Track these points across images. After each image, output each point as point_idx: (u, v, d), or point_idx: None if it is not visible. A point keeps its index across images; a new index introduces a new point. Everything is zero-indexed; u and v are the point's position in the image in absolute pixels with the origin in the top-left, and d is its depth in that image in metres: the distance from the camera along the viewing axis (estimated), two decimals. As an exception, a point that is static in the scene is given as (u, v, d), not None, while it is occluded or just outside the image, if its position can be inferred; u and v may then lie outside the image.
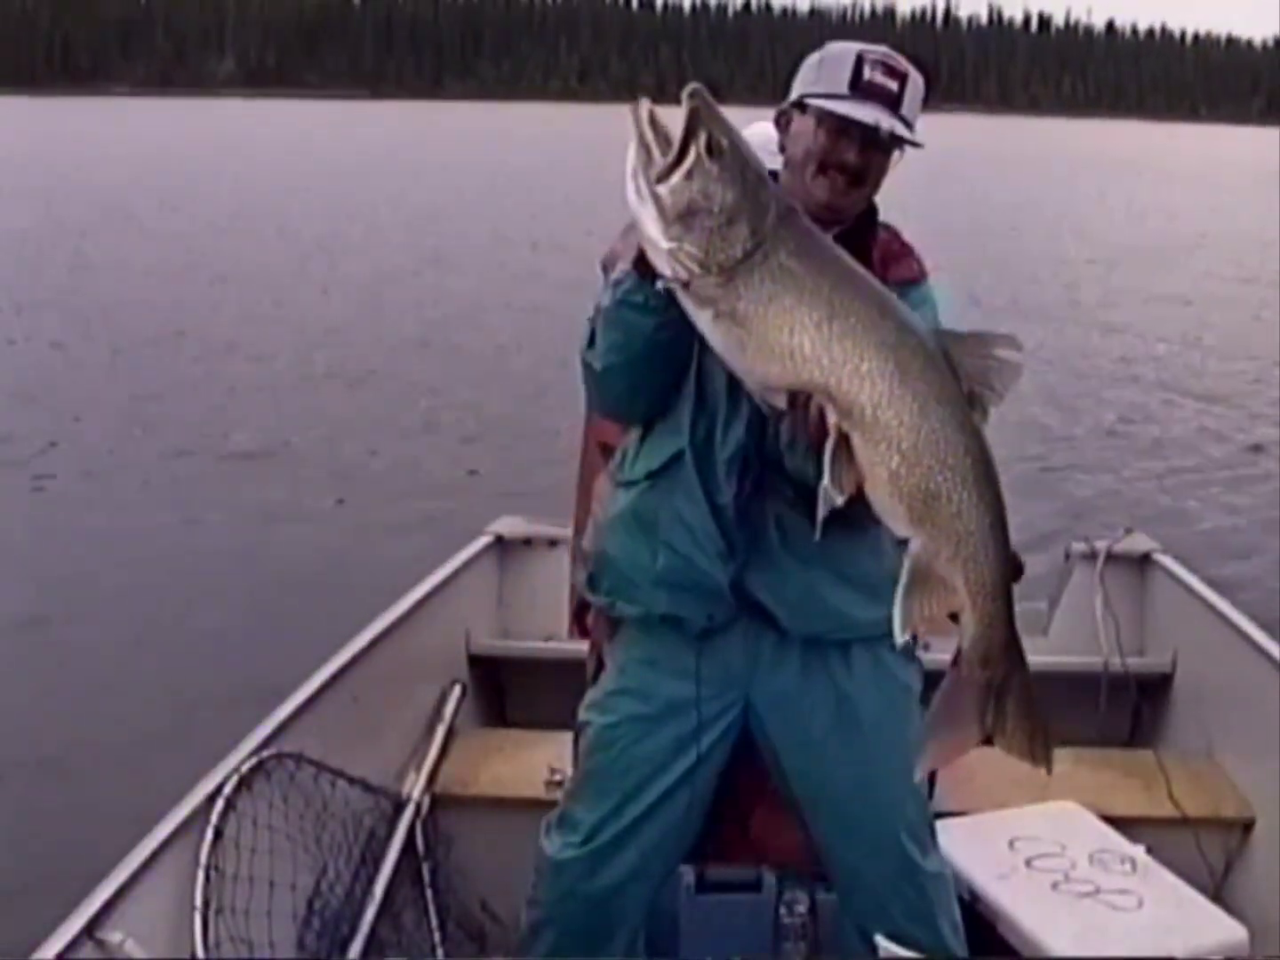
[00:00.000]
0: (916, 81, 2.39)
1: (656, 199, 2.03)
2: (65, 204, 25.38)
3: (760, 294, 2.04)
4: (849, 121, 2.33)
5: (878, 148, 2.36)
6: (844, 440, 2.05)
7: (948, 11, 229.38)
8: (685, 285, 2.06)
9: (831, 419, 2.05)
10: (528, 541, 4.59)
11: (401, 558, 6.54)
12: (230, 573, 7.27)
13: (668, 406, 2.49)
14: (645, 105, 2.05)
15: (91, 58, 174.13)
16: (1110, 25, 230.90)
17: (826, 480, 2.06)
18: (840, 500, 2.06)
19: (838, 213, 2.39)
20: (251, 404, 11.23)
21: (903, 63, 2.38)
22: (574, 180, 30.74)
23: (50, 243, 19.91)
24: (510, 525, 4.64)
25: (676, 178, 2.02)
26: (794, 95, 2.43)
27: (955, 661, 2.16)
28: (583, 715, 2.67)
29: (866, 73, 2.34)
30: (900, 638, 2.10)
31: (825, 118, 2.36)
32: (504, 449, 9.75)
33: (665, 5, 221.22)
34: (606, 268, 2.68)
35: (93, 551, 7.75)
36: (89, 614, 6.65)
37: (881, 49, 2.40)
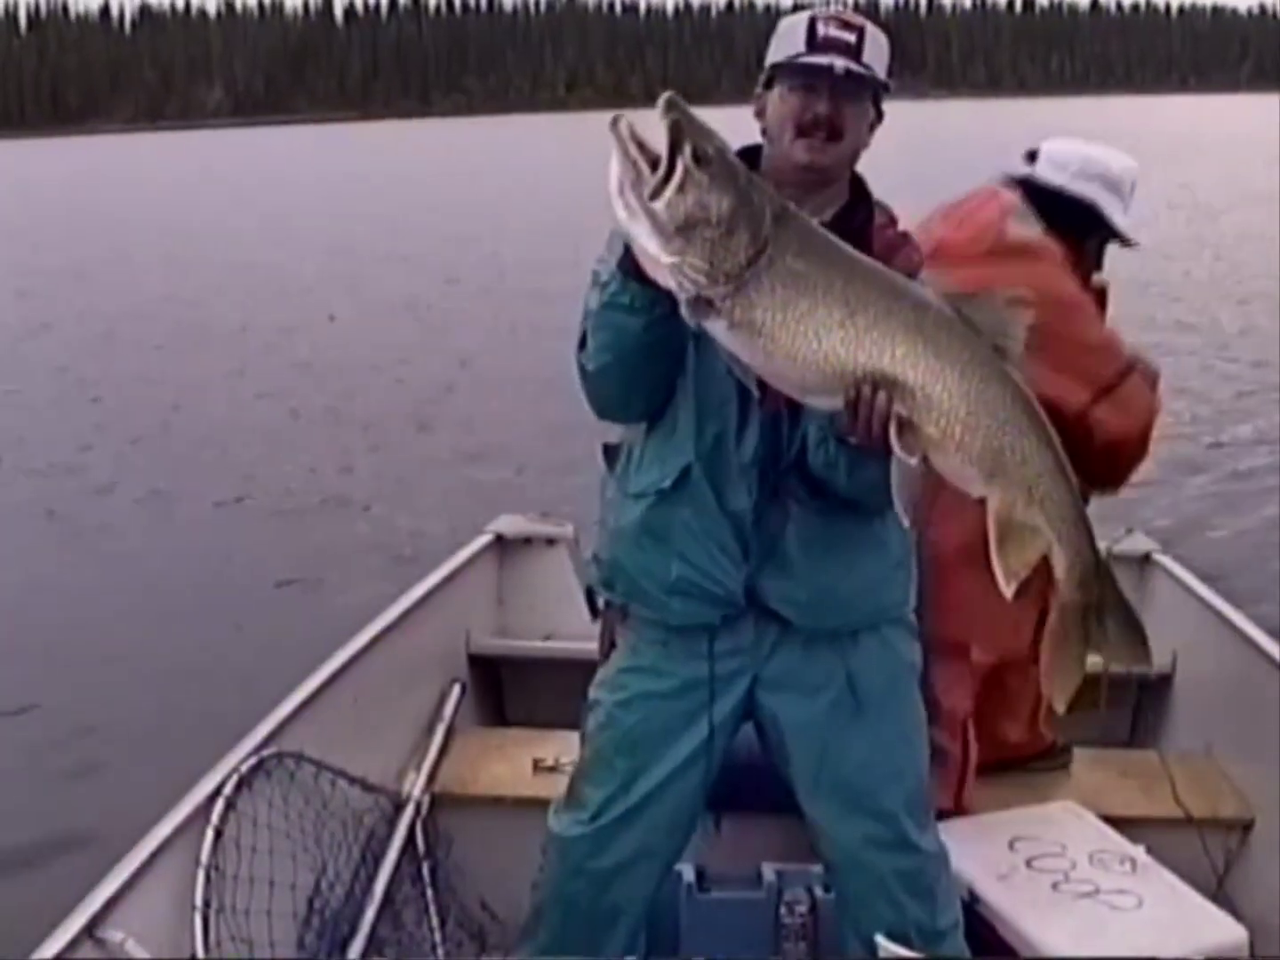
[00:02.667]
0: (876, 35, 2.43)
1: (652, 216, 2.02)
2: (58, 243, 25.06)
3: (774, 300, 2.04)
4: (809, 71, 2.38)
5: (846, 97, 2.39)
6: (905, 427, 2.09)
7: (930, 3, 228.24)
8: (696, 300, 2.05)
9: (882, 411, 2.08)
10: (527, 540, 4.59)
11: (401, 556, 6.56)
12: (229, 572, 7.28)
13: (668, 416, 2.49)
14: (625, 121, 2.04)
15: (80, 96, 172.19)
16: (1094, 2, 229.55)
17: (900, 466, 2.11)
18: (919, 468, 2.11)
19: (823, 173, 2.42)
20: (251, 407, 11.26)
21: (858, 18, 2.44)
22: (566, 188, 30.71)
23: (48, 280, 19.75)
24: (510, 524, 4.64)
25: (669, 192, 2.01)
26: (763, 76, 2.49)
27: (1053, 594, 2.23)
28: (593, 694, 2.68)
29: (820, 30, 2.40)
30: (1008, 592, 2.15)
31: (787, 76, 2.42)
32: (504, 449, 9.75)
33: (649, 9, 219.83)
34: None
35: (92, 551, 7.78)
36: (88, 614, 6.65)
37: (835, 8, 2.46)
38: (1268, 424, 10.39)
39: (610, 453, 2.65)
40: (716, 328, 2.09)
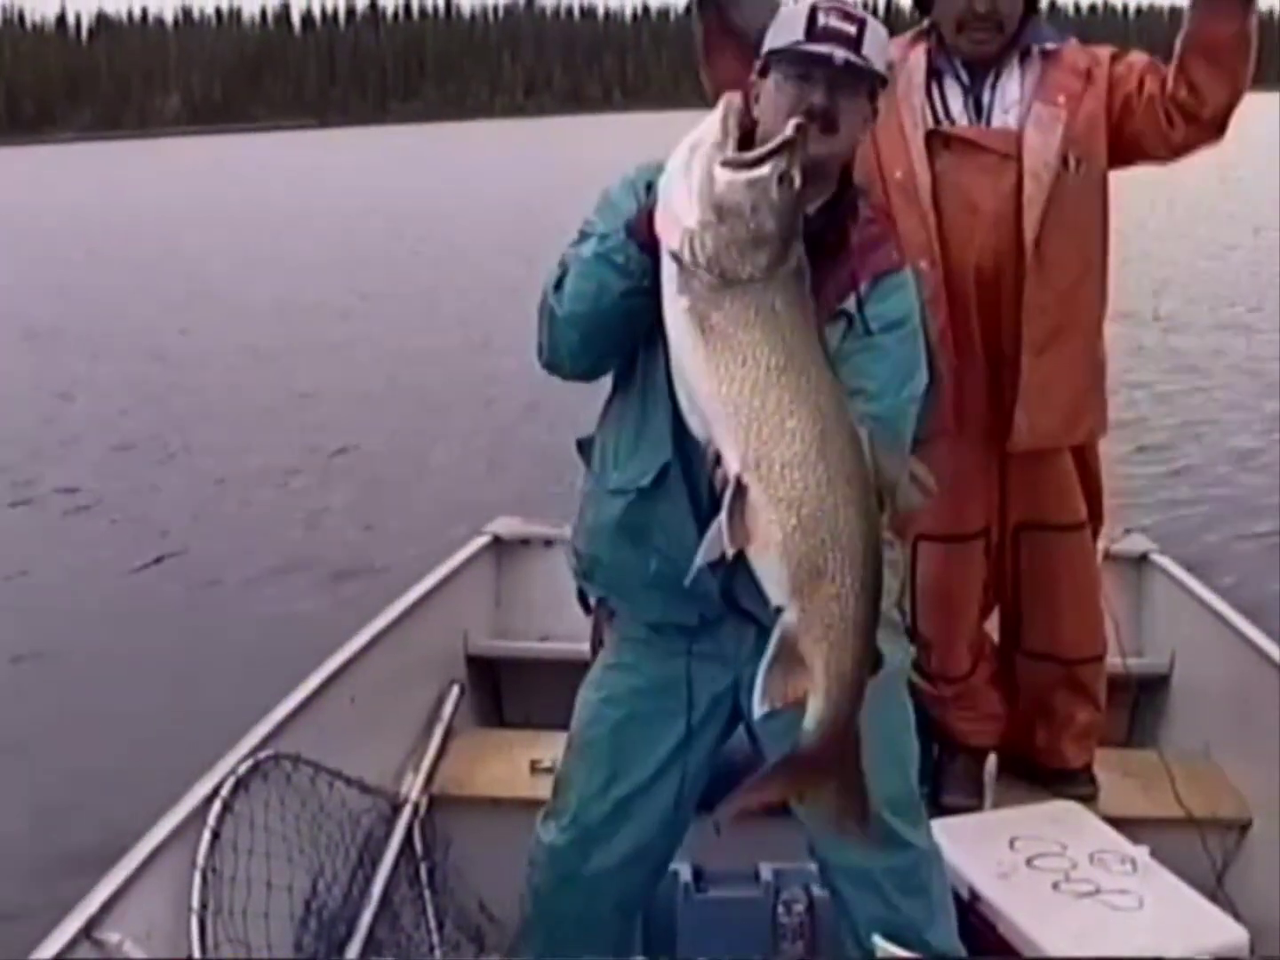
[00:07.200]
0: (877, 28, 2.41)
1: (709, 180, 2.05)
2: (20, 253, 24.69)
3: (739, 318, 2.07)
4: (808, 59, 2.35)
5: (843, 89, 2.36)
6: (741, 493, 2.08)
7: (889, 2, 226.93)
8: (682, 265, 2.08)
9: (734, 469, 2.08)
10: (525, 542, 4.58)
11: (399, 558, 6.55)
12: (227, 573, 7.27)
13: (642, 412, 2.47)
14: (738, 98, 2.12)
15: (36, 105, 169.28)
16: (1053, 4, 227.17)
17: (724, 529, 2.09)
18: (729, 552, 2.09)
19: (816, 165, 2.34)
20: (247, 409, 11.25)
21: (859, 11, 2.42)
22: (528, 192, 30.50)
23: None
24: (507, 525, 4.63)
25: (742, 175, 2.05)
26: (758, 63, 2.46)
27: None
28: (580, 692, 2.68)
29: (821, 19, 2.37)
30: (759, 712, 2.16)
31: (784, 64, 2.38)
32: (501, 449, 9.74)
33: (607, 14, 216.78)
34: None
35: (91, 552, 7.77)
36: (87, 612, 6.65)
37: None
38: (1267, 421, 10.39)
39: (585, 448, 2.63)
40: (678, 302, 2.11)
